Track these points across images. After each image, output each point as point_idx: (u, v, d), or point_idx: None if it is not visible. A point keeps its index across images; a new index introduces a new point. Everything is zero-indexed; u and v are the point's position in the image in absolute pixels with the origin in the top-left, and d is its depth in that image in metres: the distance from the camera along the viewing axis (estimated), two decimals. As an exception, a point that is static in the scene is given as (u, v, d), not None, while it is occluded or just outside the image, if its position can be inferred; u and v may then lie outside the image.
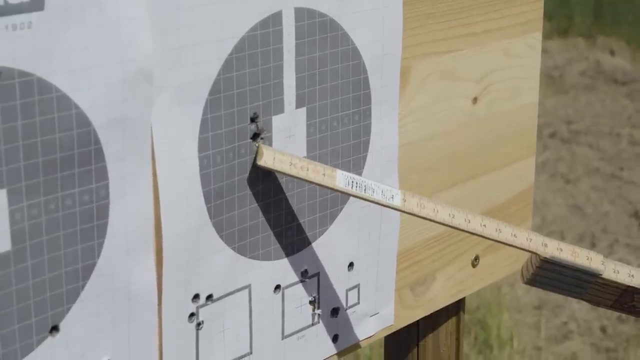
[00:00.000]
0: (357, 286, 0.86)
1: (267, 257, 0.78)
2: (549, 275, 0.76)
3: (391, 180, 0.87)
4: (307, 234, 0.81)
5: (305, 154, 0.79)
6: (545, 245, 0.76)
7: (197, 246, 0.73)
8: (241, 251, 0.76)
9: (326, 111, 0.80)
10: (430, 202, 0.76)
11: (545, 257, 0.76)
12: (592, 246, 2.99)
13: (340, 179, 0.74)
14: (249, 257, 0.77)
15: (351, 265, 0.85)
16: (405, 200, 0.76)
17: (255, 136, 0.75)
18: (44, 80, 0.62)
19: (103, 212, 0.67)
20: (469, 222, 0.77)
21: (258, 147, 0.74)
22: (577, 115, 4.10)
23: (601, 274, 0.76)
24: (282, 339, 0.81)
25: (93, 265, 0.67)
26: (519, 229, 0.78)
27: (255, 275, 0.77)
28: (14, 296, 0.63)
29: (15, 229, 0.62)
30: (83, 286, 0.67)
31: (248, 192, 0.76)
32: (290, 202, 0.79)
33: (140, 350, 0.70)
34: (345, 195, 0.83)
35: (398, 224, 0.88)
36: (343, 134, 0.82)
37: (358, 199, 0.84)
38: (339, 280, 0.84)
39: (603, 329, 2.58)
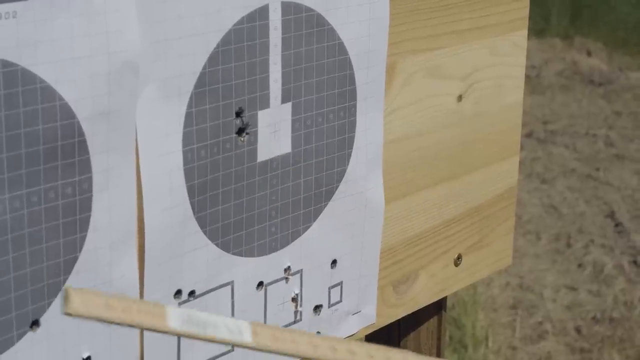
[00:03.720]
0: (340, 284, 0.85)
1: (250, 254, 0.77)
2: None
3: (376, 177, 0.86)
4: (291, 231, 0.80)
5: (290, 149, 0.78)
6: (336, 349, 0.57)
7: (180, 241, 0.72)
8: (224, 247, 0.75)
9: (312, 107, 0.80)
10: (286, 332, 0.59)
11: None
12: (568, 246, 3.00)
13: (173, 318, 0.57)
14: (232, 253, 0.76)
15: (334, 262, 0.84)
16: (256, 334, 0.58)
17: (240, 131, 0.75)
18: (28, 71, 0.61)
19: (86, 206, 0.66)
20: (335, 351, 0.59)
21: (65, 290, 0.52)
22: (554, 116, 4.11)
23: None
24: (265, 336, 0.80)
25: (75, 260, 0.66)
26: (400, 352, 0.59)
27: (238, 271, 0.77)
28: (-6, 290, 0.62)
29: (-4, 221, 0.61)
30: (65, 280, 0.66)
31: (232, 187, 0.75)
32: (274, 198, 0.78)
33: (122, 346, 0.69)
34: (330, 192, 0.83)
35: (381, 221, 0.87)
36: (328, 130, 0.81)
37: (342, 196, 0.83)
38: (321, 278, 0.83)
39: (578, 330, 2.59)
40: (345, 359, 0.61)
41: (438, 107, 0.92)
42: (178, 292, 0.73)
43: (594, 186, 3.45)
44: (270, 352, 0.59)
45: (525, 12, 1.00)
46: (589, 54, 4.85)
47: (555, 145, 3.81)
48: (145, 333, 0.71)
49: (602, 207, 3.29)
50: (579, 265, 2.89)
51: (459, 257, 0.98)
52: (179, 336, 0.58)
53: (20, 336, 0.64)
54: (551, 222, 3.17)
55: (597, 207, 3.29)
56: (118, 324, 0.56)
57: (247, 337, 0.58)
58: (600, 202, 3.32)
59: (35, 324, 0.64)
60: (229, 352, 0.77)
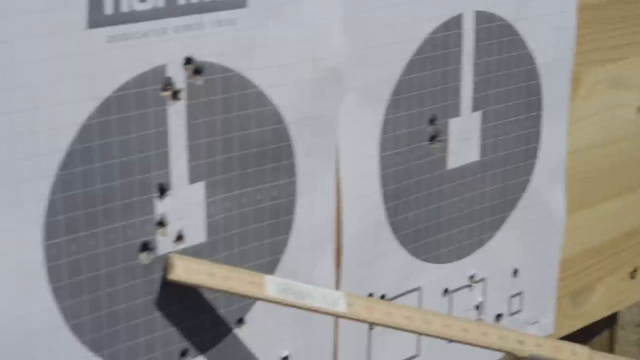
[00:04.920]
0: (520, 293, 0.85)
1: (437, 260, 0.78)
2: None
3: (558, 187, 0.86)
4: (476, 239, 0.80)
5: (478, 157, 0.79)
6: (522, 342, 0.65)
7: (374, 246, 0.73)
8: (415, 253, 0.76)
9: (500, 116, 0.80)
10: (381, 304, 0.65)
11: (525, 357, 0.65)
12: None
13: (270, 286, 0.63)
14: (421, 259, 0.77)
15: (516, 272, 0.84)
16: (350, 304, 0.64)
17: (432, 138, 0.75)
18: (244, 76, 0.63)
19: (289, 208, 0.68)
20: (429, 323, 0.65)
21: (169, 257, 0.61)
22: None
23: None
24: (449, 342, 0.80)
25: (278, 260, 0.68)
26: (489, 326, 0.68)
27: (426, 277, 0.77)
28: (206, 287, 0.64)
29: (210, 221, 0.63)
30: (268, 280, 0.67)
31: (424, 194, 0.76)
32: (461, 205, 0.79)
33: (317, 346, 0.71)
34: (513, 202, 0.83)
35: (562, 232, 0.87)
36: (514, 139, 0.81)
37: (525, 206, 0.83)
38: (503, 287, 0.84)
39: None
40: (439, 331, 0.65)
41: (618, 118, 0.92)
42: (370, 296, 0.74)
43: None
44: (363, 322, 0.64)
45: None
46: None
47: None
48: (341, 334, 0.72)
49: None
50: None
51: (635, 271, 0.97)
52: (277, 303, 0.63)
53: (227, 332, 0.66)
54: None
55: None
56: (218, 290, 0.62)
57: (341, 307, 0.63)
58: None
59: (240, 321, 0.66)
60: (415, 356, 0.78)
